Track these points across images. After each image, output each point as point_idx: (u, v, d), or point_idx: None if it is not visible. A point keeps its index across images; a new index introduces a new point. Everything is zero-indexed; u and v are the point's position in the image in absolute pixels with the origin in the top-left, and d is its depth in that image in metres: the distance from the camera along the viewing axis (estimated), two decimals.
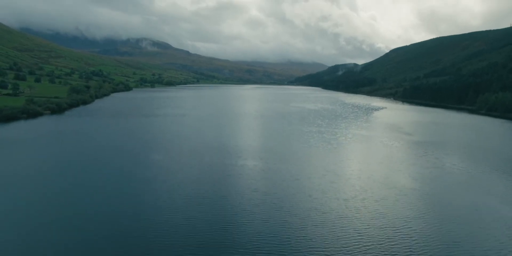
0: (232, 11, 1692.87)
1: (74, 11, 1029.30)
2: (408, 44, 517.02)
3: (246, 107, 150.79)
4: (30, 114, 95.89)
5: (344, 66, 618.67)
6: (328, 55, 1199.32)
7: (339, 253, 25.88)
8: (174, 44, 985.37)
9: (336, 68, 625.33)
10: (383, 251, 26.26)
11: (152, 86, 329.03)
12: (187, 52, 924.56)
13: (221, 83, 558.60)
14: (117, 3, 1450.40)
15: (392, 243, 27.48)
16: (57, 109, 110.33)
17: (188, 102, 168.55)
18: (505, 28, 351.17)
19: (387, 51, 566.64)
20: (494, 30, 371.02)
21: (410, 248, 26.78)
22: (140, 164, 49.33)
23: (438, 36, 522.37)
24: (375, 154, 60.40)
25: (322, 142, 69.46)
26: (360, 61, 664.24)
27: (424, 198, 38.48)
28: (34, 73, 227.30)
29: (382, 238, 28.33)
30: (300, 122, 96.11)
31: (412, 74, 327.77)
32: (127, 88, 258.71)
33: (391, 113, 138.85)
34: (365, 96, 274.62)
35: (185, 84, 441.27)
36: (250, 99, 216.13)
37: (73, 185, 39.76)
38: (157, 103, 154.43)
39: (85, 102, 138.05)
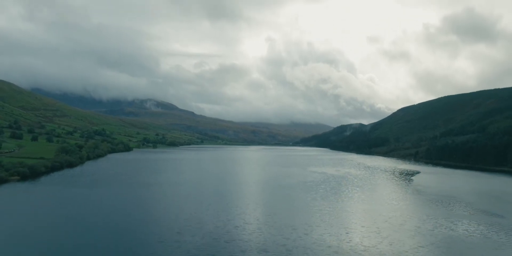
0: (234, 74, 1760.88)
1: (83, 74, 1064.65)
2: (407, 104, 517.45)
3: (258, 173, 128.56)
4: None
5: (350, 126, 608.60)
6: (329, 115, 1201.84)
7: None
8: (179, 105, 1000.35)
9: (342, 128, 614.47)
10: None
11: (154, 147, 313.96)
12: (192, 113, 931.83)
13: (225, 143, 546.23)
14: (124, 66, 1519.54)
15: None
16: (30, 174, 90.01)
17: (189, 166, 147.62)
18: None
19: (388, 111, 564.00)
20: (503, 89, 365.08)
21: None
22: None
23: (436, 96, 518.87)
24: None
25: (385, 230, 46.79)
26: (363, 121, 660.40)
27: None
28: (34, 132, 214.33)
29: None
30: (336, 197, 72.70)
31: (426, 133, 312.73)
32: (127, 149, 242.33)
33: (432, 178, 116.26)
34: (382, 157, 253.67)
35: (189, 144, 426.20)
36: (259, 162, 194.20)
37: None
38: (154, 167, 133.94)
39: (71, 165, 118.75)
